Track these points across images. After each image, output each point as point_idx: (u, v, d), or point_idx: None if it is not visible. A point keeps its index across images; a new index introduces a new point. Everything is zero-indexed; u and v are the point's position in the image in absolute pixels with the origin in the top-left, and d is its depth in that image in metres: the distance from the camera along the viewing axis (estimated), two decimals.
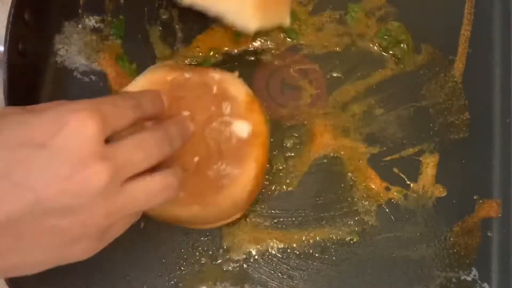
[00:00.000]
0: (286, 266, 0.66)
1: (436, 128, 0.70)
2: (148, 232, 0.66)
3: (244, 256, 0.66)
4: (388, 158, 0.69)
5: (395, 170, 0.69)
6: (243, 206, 0.65)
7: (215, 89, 0.64)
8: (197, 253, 0.66)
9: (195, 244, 0.66)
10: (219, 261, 0.65)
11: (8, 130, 0.43)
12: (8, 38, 0.60)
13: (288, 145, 0.69)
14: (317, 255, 0.66)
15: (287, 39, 0.71)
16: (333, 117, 0.70)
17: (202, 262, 0.65)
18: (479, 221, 0.69)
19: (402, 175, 0.69)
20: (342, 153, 0.69)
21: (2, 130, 0.43)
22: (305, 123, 0.70)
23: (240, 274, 0.65)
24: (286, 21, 0.68)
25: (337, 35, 0.72)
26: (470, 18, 0.73)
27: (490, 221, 0.69)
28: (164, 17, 0.70)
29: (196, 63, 0.69)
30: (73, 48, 0.70)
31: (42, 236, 0.44)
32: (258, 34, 0.70)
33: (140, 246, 0.66)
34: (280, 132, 0.69)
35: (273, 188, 0.68)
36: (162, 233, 0.66)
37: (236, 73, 0.68)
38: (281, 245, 0.66)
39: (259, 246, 0.66)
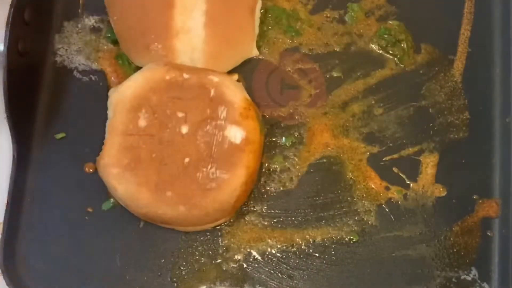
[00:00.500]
0: (285, 265, 0.66)
1: (436, 128, 0.70)
2: (147, 232, 0.66)
3: (244, 256, 0.66)
4: (388, 157, 0.69)
5: (395, 169, 0.69)
6: (229, 212, 0.65)
7: (212, 92, 0.64)
8: (197, 253, 0.65)
9: (195, 244, 0.66)
10: (218, 261, 0.65)
11: None
12: (8, 38, 0.61)
13: (288, 144, 0.69)
14: (316, 254, 0.66)
15: (287, 39, 0.72)
16: (332, 116, 0.70)
17: (202, 261, 0.65)
18: (479, 221, 0.69)
19: (401, 175, 0.69)
20: (342, 152, 0.69)
21: None
22: (305, 122, 0.70)
23: (240, 273, 0.65)
24: (252, 53, 0.69)
25: (337, 34, 0.72)
26: (470, 18, 0.73)
27: (490, 221, 0.69)
28: None
29: None
30: (73, 48, 0.70)
31: None
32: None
33: (139, 246, 0.66)
34: (279, 132, 0.69)
35: (272, 188, 0.68)
36: (161, 233, 0.66)
37: (236, 76, 0.68)
38: (281, 245, 0.66)
39: (258, 246, 0.66)
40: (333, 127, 0.70)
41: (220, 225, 0.66)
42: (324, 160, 0.69)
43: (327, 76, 0.71)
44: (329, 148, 0.69)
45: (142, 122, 0.63)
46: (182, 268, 0.65)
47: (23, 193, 0.66)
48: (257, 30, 0.70)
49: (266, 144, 0.68)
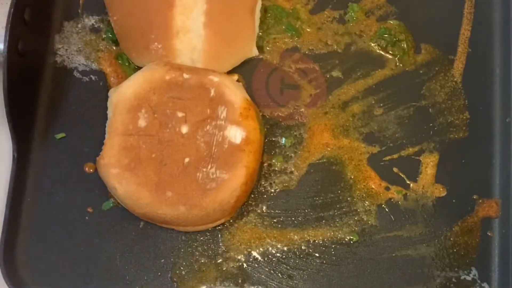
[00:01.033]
0: (285, 265, 0.66)
1: (435, 128, 0.70)
2: (147, 232, 0.66)
3: (244, 256, 0.66)
4: (388, 157, 0.69)
5: (395, 169, 0.69)
6: (229, 212, 0.65)
7: (212, 92, 0.64)
8: (197, 253, 0.65)
9: (195, 244, 0.66)
10: (218, 261, 0.65)
11: None
12: (8, 38, 0.60)
13: (287, 144, 0.69)
14: (316, 254, 0.66)
15: (287, 38, 0.72)
16: (332, 116, 0.70)
17: (202, 261, 0.65)
18: (479, 221, 0.69)
19: (401, 175, 0.69)
20: (342, 153, 0.69)
21: None
22: (305, 122, 0.69)
23: (240, 273, 0.65)
24: (252, 53, 0.69)
25: (337, 34, 0.72)
26: (470, 18, 0.73)
27: (490, 221, 0.69)
28: None
29: None
30: (73, 48, 0.70)
31: None
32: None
33: (139, 246, 0.65)
34: (279, 132, 0.69)
35: (272, 188, 0.68)
36: (161, 233, 0.66)
37: (236, 76, 0.68)
38: (281, 245, 0.66)
39: (258, 246, 0.66)
40: (333, 127, 0.70)
41: (220, 225, 0.66)
42: (324, 160, 0.69)
43: (327, 76, 0.71)
44: (329, 148, 0.69)
45: (142, 122, 0.63)
46: (182, 268, 0.65)
47: (23, 193, 0.66)
48: (257, 30, 0.70)
49: (266, 144, 0.68)
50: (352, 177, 0.68)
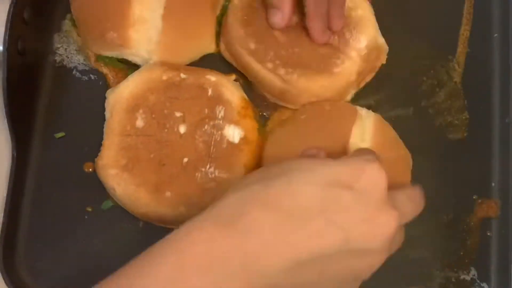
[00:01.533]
0: None
1: (435, 128, 0.70)
2: (147, 232, 0.66)
3: None
4: None
5: None
6: None
7: (210, 91, 0.64)
8: None
9: None
10: None
11: (318, 170, 0.46)
12: (7, 37, 0.60)
13: None
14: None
15: None
16: None
17: None
18: (478, 221, 0.69)
19: None
20: None
21: (313, 170, 0.47)
22: None
23: None
24: (211, 48, 0.68)
25: None
26: (469, 18, 0.73)
27: (489, 221, 0.69)
28: None
29: None
30: (72, 47, 0.70)
31: (340, 273, 0.46)
32: None
33: (139, 246, 0.65)
34: None
35: None
36: (161, 233, 0.65)
37: (233, 76, 0.68)
38: None
39: None
40: None
41: None
42: None
43: None
44: None
45: (139, 123, 0.63)
46: None
47: (22, 192, 0.65)
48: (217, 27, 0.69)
49: None
50: None
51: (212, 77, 0.65)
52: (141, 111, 0.63)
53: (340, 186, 0.45)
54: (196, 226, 0.45)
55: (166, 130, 0.63)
